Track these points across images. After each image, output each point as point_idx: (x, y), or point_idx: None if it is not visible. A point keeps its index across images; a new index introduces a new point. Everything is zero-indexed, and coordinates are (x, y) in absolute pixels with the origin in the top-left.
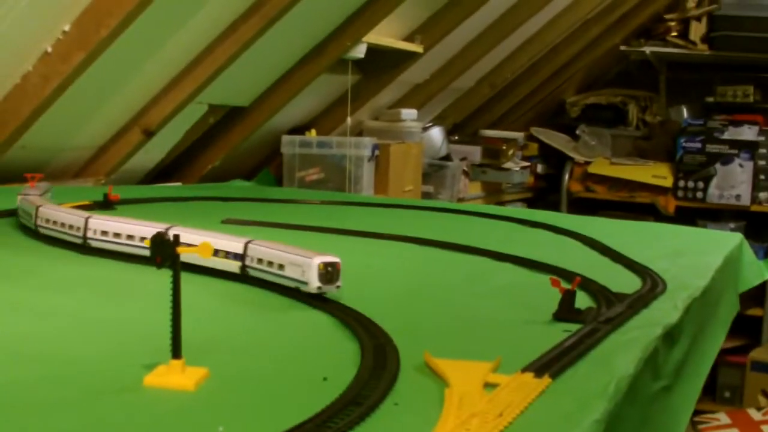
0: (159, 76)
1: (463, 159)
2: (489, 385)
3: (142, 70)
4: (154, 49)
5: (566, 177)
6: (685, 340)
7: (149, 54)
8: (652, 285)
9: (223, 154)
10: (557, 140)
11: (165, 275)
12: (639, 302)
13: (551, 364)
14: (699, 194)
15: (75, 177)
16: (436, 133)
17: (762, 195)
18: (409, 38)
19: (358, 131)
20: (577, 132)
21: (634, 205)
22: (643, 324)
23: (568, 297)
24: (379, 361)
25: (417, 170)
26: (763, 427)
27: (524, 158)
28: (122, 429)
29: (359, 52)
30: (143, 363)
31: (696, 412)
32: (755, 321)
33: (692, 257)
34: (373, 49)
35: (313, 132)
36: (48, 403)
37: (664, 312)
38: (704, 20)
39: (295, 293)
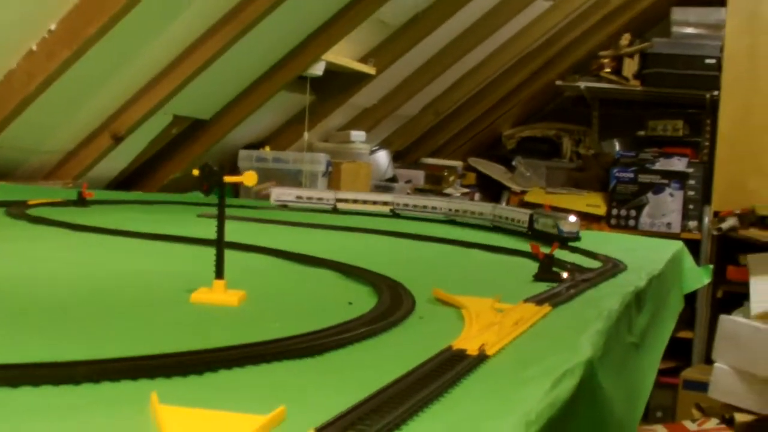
0: (131, 83)
1: (407, 182)
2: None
3: (115, 76)
4: (128, 56)
5: (503, 205)
6: (647, 311)
7: (123, 60)
8: (615, 264)
9: (184, 165)
10: (494, 170)
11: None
12: (608, 272)
13: (548, 299)
14: (631, 222)
15: (45, 179)
16: (383, 156)
17: (691, 223)
18: (362, 60)
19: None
20: (513, 163)
21: None
22: (615, 285)
23: (547, 260)
24: (395, 292)
25: (365, 189)
26: None
27: (463, 186)
28: (176, 330)
29: (318, 69)
30: (186, 289)
31: None
32: (686, 343)
33: (643, 252)
34: (327, 71)
35: (268, 148)
36: (110, 309)
37: (631, 280)
38: (637, 58)
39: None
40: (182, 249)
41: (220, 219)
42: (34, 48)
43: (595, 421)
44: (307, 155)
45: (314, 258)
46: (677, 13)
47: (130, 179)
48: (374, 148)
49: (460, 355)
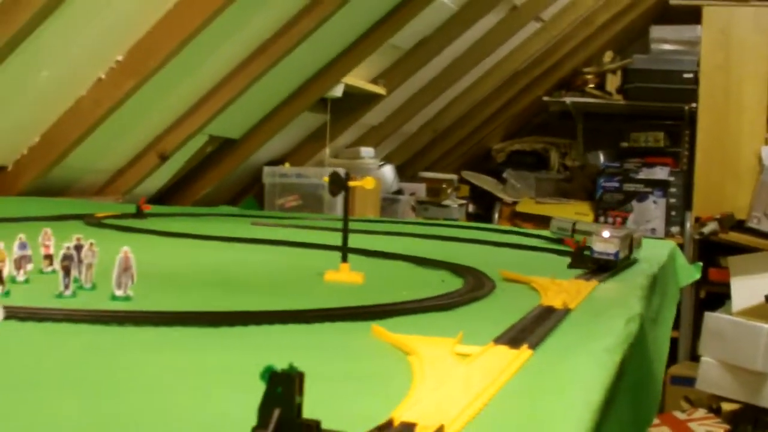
0: (177, 106)
1: (412, 194)
2: None
3: (163, 100)
4: (177, 82)
5: (496, 215)
6: (657, 295)
7: (172, 86)
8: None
9: (215, 181)
10: (486, 183)
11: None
12: (625, 262)
13: (591, 277)
14: None
15: (95, 195)
16: (388, 171)
17: (674, 228)
18: (374, 81)
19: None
20: (504, 175)
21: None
22: (634, 271)
23: (579, 250)
24: (474, 274)
25: (376, 202)
26: (690, 425)
27: (458, 198)
28: (329, 296)
29: (338, 91)
30: (313, 273)
31: None
32: (672, 342)
33: (644, 250)
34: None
35: (287, 165)
36: (267, 287)
37: (644, 269)
38: (619, 73)
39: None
40: (273, 249)
41: (345, 213)
42: (103, 77)
43: (645, 364)
44: (328, 169)
45: (390, 253)
46: (655, 31)
47: (165, 195)
48: (380, 164)
49: (550, 309)
